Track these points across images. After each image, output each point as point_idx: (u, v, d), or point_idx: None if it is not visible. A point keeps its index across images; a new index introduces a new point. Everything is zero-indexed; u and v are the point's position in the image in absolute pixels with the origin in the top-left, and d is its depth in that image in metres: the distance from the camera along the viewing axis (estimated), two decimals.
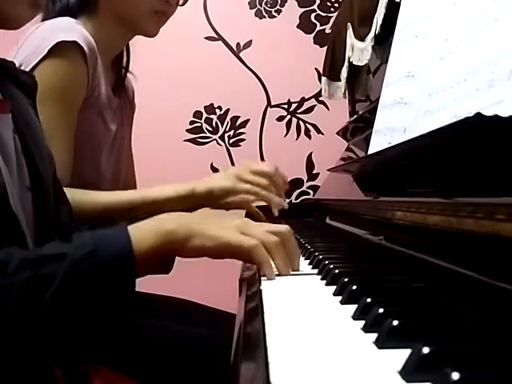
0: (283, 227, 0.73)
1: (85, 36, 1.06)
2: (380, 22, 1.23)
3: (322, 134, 2.48)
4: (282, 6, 2.50)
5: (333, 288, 0.60)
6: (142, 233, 0.64)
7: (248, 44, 2.49)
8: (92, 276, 0.59)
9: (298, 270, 0.74)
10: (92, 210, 1.03)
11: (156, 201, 1.10)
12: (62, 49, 1.02)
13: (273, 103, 2.49)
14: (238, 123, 2.49)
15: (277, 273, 0.70)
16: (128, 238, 0.62)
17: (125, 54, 1.29)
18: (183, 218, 0.70)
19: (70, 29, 1.06)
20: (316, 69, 2.36)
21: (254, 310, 0.54)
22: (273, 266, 0.70)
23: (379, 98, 1.05)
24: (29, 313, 0.57)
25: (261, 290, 0.61)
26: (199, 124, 2.49)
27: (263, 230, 0.70)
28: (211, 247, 0.66)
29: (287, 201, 2.38)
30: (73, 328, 0.62)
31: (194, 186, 1.12)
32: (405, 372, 0.33)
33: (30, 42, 1.04)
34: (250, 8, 2.49)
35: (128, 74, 1.32)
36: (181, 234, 0.65)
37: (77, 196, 0.98)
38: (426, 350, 0.33)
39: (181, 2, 1.20)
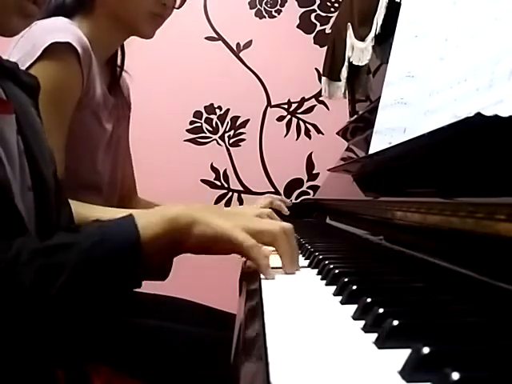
0: (288, 224, 0.75)
1: (79, 37, 1.06)
2: (380, 22, 1.23)
3: (322, 133, 2.48)
4: (282, 6, 2.50)
5: (333, 288, 0.60)
6: (148, 220, 0.65)
7: (248, 44, 2.49)
8: (102, 263, 0.60)
9: (298, 270, 0.74)
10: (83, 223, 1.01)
11: None
12: (55, 50, 1.02)
13: (273, 103, 2.49)
14: (238, 123, 2.49)
15: (274, 269, 0.71)
16: (135, 225, 0.63)
17: (119, 52, 1.29)
18: (186, 207, 0.71)
19: (64, 29, 1.05)
20: (316, 69, 2.36)
21: (254, 310, 0.54)
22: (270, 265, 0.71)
23: (379, 98, 1.05)
24: (41, 301, 0.58)
25: (261, 290, 0.61)
26: (199, 124, 2.49)
27: (271, 222, 0.73)
28: (211, 237, 0.67)
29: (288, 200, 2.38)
30: (83, 315, 0.63)
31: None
32: (405, 372, 0.33)
33: (24, 43, 1.04)
34: (250, 8, 2.49)
35: (123, 73, 1.32)
36: (184, 221, 0.66)
37: (73, 207, 0.97)
38: (426, 349, 0.33)
39: (177, 4, 1.21)
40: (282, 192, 2.47)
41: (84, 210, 1.05)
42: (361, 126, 1.48)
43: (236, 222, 0.69)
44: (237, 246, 0.67)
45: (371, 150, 1.01)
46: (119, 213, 1.09)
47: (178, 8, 1.22)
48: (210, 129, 2.49)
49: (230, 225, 0.68)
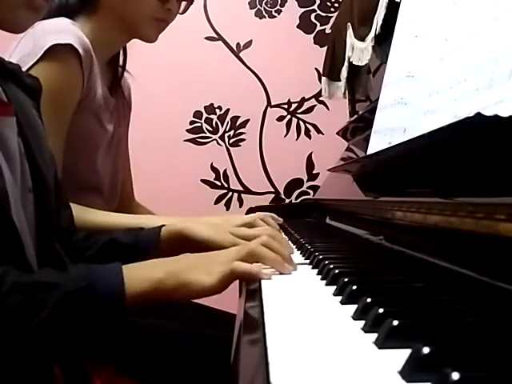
0: (263, 236, 0.76)
1: (80, 38, 1.05)
2: (380, 22, 1.23)
3: (322, 133, 2.48)
4: (282, 6, 2.50)
5: (333, 288, 0.60)
6: (135, 276, 0.65)
7: (248, 44, 2.48)
8: (81, 311, 0.60)
9: (295, 269, 0.74)
10: (85, 229, 1.01)
11: None
12: (56, 52, 1.02)
13: (273, 103, 2.49)
14: (238, 123, 2.49)
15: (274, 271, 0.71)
16: (122, 279, 0.63)
17: (121, 53, 1.29)
18: (173, 264, 0.70)
19: (66, 31, 1.05)
20: (316, 69, 2.36)
21: (254, 311, 0.54)
22: (265, 266, 0.71)
23: (379, 97, 1.05)
24: (15, 336, 0.58)
25: (261, 290, 0.61)
26: (199, 124, 2.49)
27: (245, 245, 0.75)
28: (198, 296, 0.68)
29: (287, 201, 2.37)
30: (57, 351, 0.64)
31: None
32: (405, 372, 0.33)
33: (26, 44, 1.04)
34: (250, 8, 2.49)
35: (125, 73, 1.32)
36: (169, 284, 0.66)
37: (76, 212, 0.97)
38: (426, 350, 0.33)
39: (181, 10, 1.21)
40: (282, 192, 2.47)
41: (87, 215, 1.05)
42: (361, 126, 1.48)
43: (222, 264, 0.68)
44: (232, 279, 0.67)
45: (371, 150, 1.01)
46: (121, 218, 1.10)
47: (182, 13, 1.22)
48: (210, 129, 2.49)
49: (216, 270, 0.66)
